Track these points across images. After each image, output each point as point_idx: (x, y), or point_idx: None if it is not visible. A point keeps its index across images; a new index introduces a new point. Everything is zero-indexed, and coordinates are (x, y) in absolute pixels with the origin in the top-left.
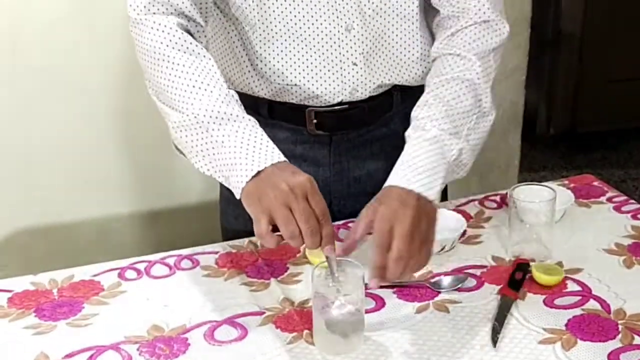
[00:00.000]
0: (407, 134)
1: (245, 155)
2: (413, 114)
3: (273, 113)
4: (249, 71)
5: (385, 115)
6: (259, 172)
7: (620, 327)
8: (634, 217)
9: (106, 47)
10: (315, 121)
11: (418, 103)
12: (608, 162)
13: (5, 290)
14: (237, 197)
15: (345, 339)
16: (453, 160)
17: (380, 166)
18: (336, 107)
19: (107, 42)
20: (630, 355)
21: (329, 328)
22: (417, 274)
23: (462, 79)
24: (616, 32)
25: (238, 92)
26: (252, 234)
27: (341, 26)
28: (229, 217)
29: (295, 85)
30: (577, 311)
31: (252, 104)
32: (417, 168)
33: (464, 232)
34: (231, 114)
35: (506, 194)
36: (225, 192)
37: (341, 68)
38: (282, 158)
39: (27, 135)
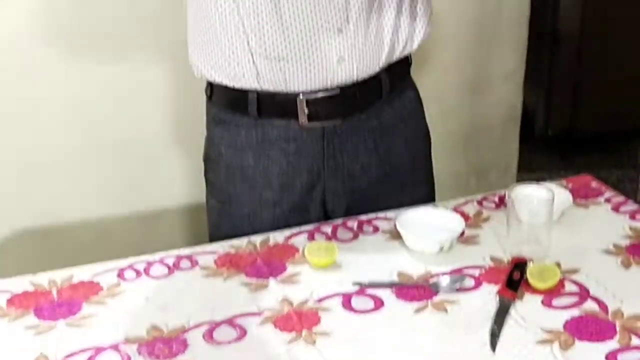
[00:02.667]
0: None
1: None
2: None
3: (262, 110)
4: (240, 45)
5: (375, 103)
6: None
7: (618, 327)
8: (632, 217)
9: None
10: (306, 111)
11: None
12: (606, 164)
13: (5, 291)
14: None
15: None
16: None
17: (374, 161)
18: (326, 94)
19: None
20: (628, 356)
21: None
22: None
23: None
24: (615, 33)
25: (226, 88)
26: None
27: None
28: (214, 222)
29: (283, 59)
30: (575, 312)
31: (242, 102)
32: None
33: (463, 233)
34: None
35: (504, 194)
36: (211, 200)
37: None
38: None
39: (26, 136)
